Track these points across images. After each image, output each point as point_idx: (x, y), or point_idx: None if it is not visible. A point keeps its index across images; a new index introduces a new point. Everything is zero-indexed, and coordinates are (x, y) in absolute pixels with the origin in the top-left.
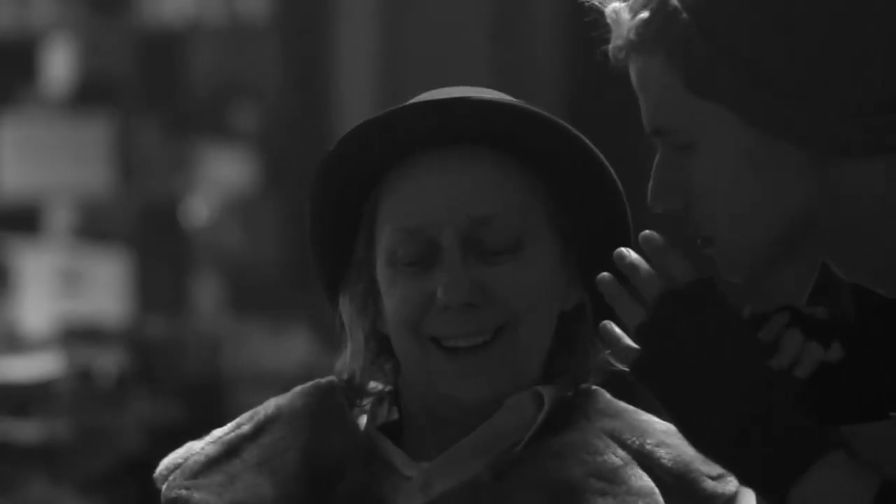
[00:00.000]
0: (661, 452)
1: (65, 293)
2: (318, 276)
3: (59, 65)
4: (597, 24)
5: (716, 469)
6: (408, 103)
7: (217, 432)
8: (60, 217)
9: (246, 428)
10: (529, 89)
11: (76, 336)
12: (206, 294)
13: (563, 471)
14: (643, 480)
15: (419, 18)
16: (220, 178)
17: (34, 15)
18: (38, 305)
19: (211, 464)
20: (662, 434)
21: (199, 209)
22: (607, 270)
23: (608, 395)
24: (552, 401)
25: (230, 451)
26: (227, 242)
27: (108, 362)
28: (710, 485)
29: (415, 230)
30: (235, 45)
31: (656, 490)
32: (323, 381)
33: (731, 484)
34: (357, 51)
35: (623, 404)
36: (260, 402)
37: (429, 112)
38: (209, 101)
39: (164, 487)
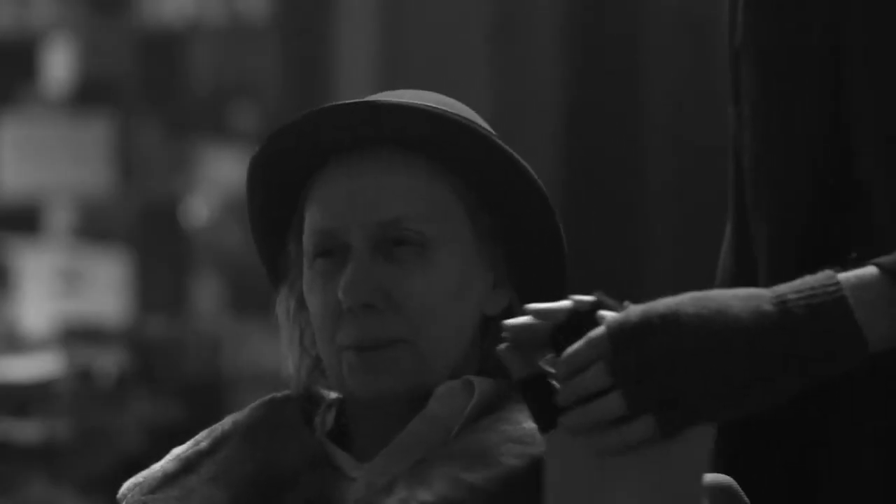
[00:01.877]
0: None
1: (65, 293)
2: (265, 269)
3: (59, 65)
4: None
5: None
6: (326, 105)
7: (176, 450)
8: (60, 217)
9: (204, 444)
10: (529, 89)
11: (76, 336)
12: (206, 294)
13: (479, 442)
14: None
15: (419, 18)
16: (220, 178)
17: (34, 15)
18: (38, 305)
19: (168, 480)
20: None
21: (199, 209)
22: (539, 273)
23: None
24: (484, 391)
25: (188, 467)
26: (227, 242)
27: (108, 362)
28: None
29: (328, 232)
30: (235, 45)
31: None
32: (279, 394)
33: None
34: (357, 51)
35: None
36: None
37: (345, 114)
38: (209, 101)
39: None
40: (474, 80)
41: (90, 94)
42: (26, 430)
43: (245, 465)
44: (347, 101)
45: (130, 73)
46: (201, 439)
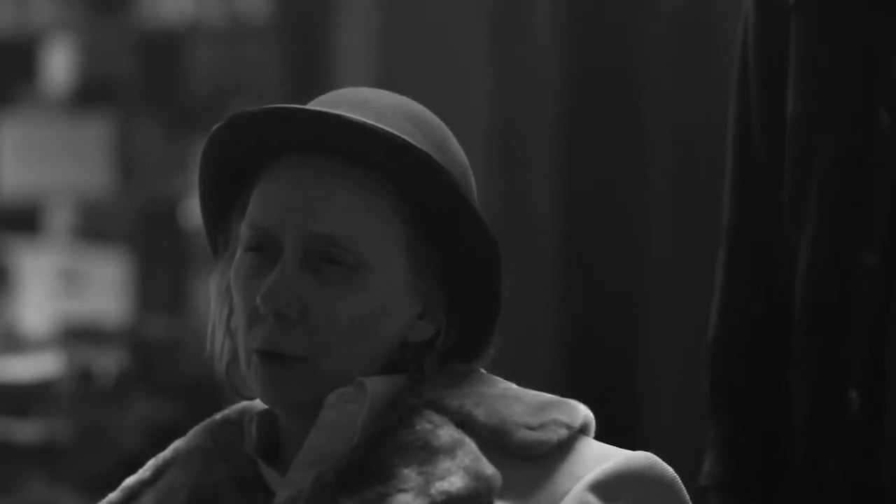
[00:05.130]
0: (479, 410)
1: (65, 293)
2: (210, 248)
3: (59, 65)
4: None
5: (539, 419)
6: (277, 106)
7: (126, 480)
8: (60, 217)
9: (147, 473)
10: (530, 90)
11: (76, 336)
12: (207, 294)
13: (369, 453)
14: (452, 436)
15: (419, 18)
16: None
17: (34, 15)
18: (38, 305)
19: None
20: (490, 396)
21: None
22: (477, 305)
23: (461, 368)
24: (380, 391)
25: (130, 496)
26: None
27: (108, 362)
28: (525, 434)
29: (264, 229)
30: (235, 45)
31: (466, 440)
32: (218, 416)
33: (554, 432)
34: (357, 51)
35: (475, 376)
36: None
37: (293, 119)
38: (209, 101)
39: None
40: (474, 81)
41: (90, 94)
42: (26, 430)
43: (180, 494)
44: (296, 106)
45: (130, 73)
46: (147, 468)
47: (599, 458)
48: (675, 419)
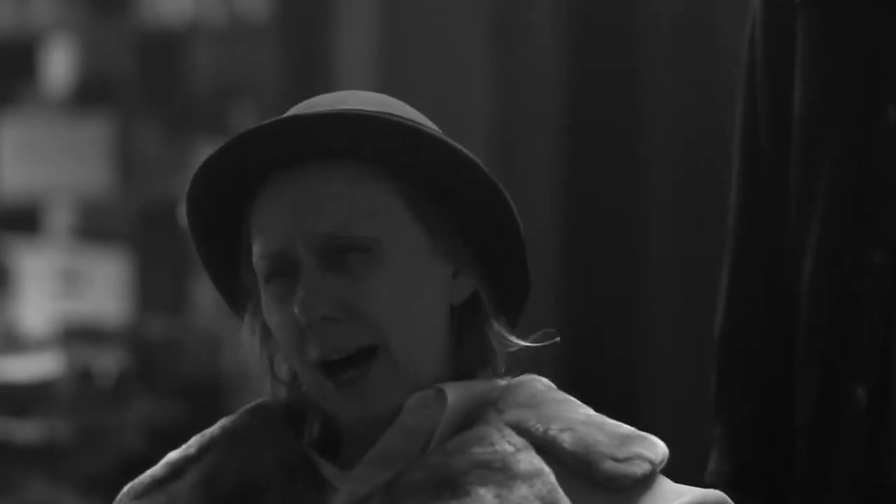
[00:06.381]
0: (565, 436)
1: (65, 293)
2: (224, 300)
3: (59, 65)
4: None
5: (624, 452)
6: (242, 132)
7: (170, 454)
8: (60, 217)
9: (192, 449)
10: (530, 90)
11: (76, 336)
12: (206, 294)
13: (446, 466)
14: (532, 464)
15: (419, 18)
16: None
17: (34, 15)
18: (38, 305)
19: (156, 485)
20: (574, 421)
21: None
22: (501, 253)
23: (540, 385)
24: (459, 399)
25: (175, 472)
26: None
27: (108, 362)
28: (611, 466)
29: (275, 255)
30: (235, 45)
31: (546, 470)
32: (266, 399)
33: (639, 466)
34: (357, 51)
35: (554, 395)
36: None
37: (267, 133)
38: (209, 101)
39: None
40: (474, 81)
41: (90, 94)
42: (26, 430)
43: (226, 472)
44: (268, 121)
45: (130, 73)
46: (192, 444)
47: (677, 493)
48: (675, 419)
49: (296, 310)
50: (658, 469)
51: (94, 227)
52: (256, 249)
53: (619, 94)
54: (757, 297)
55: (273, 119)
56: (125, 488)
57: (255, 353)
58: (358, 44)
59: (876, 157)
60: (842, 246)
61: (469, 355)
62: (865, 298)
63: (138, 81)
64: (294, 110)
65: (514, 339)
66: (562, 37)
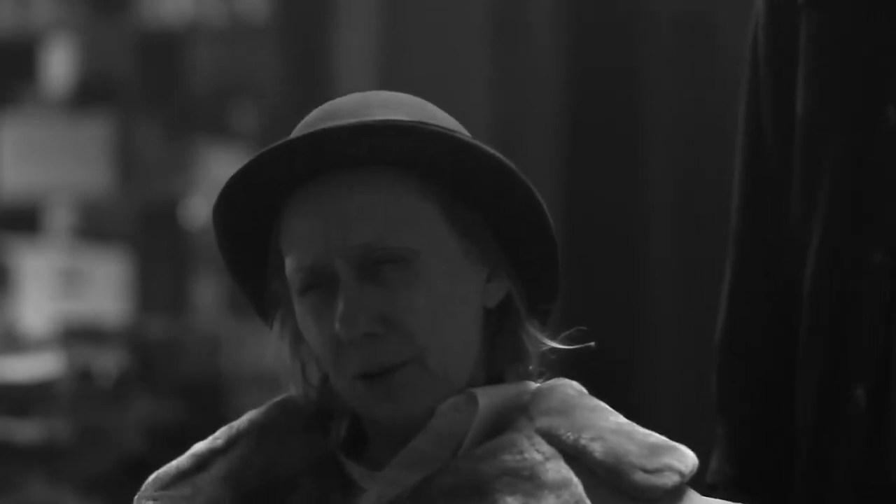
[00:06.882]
0: (595, 446)
1: (65, 293)
2: (252, 307)
3: (59, 65)
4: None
5: (654, 463)
6: (276, 144)
7: (197, 445)
8: (60, 217)
9: (220, 442)
10: (530, 90)
11: (76, 336)
12: (206, 294)
13: (474, 472)
14: (560, 473)
15: (419, 18)
16: (220, 178)
17: (34, 15)
18: (38, 305)
19: (182, 476)
20: (605, 430)
21: (199, 209)
22: (533, 254)
23: (571, 391)
24: (490, 404)
25: (201, 464)
26: None
27: (108, 362)
28: (641, 477)
29: (311, 268)
30: (235, 45)
31: (574, 481)
32: (293, 394)
33: (669, 478)
34: (357, 51)
35: (586, 401)
36: (260, 403)
37: (298, 147)
38: (209, 101)
39: (136, 496)
40: (474, 81)
41: (90, 94)
42: (26, 430)
43: (253, 467)
44: (295, 136)
45: (130, 73)
46: (219, 436)
47: None
48: (675, 419)
49: (337, 326)
50: (687, 480)
51: (94, 227)
52: (290, 262)
53: (619, 94)
54: (758, 298)
55: (305, 132)
56: (150, 478)
57: (287, 359)
58: (358, 44)
59: (876, 157)
60: (842, 246)
61: (502, 357)
62: (865, 298)
63: (138, 81)
64: (316, 114)
65: (547, 340)
66: (562, 37)
